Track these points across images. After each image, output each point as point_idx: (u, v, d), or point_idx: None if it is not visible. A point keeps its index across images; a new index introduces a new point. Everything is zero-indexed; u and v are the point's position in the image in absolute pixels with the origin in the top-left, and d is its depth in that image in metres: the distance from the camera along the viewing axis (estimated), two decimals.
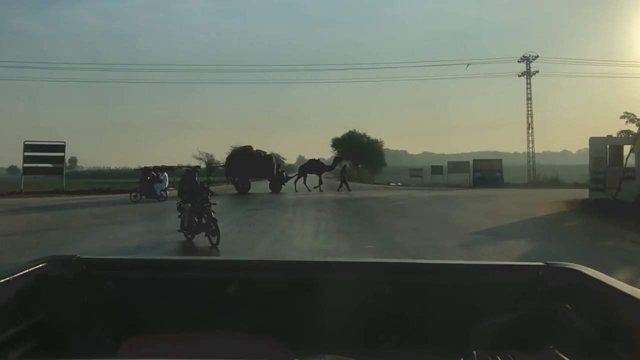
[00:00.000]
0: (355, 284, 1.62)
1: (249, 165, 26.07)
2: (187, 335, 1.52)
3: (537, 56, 41.20)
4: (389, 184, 39.81)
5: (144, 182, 25.33)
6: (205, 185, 11.06)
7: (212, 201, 9.78)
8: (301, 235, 11.02)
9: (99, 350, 1.53)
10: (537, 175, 38.64)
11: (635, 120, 21.52)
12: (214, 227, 9.44)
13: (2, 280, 1.38)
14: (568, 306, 1.44)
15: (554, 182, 34.41)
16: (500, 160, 37.52)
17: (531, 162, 40.81)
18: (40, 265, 1.56)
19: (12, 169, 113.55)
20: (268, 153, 27.86)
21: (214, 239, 9.39)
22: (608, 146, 19.80)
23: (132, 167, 24.58)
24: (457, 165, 38.64)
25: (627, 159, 18.63)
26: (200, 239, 9.60)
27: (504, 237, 10.32)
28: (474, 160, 37.44)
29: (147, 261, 1.88)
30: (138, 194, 21.59)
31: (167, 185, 23.04)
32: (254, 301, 1.62)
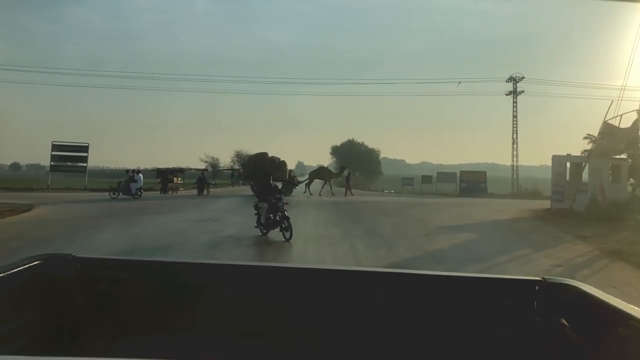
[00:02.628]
0: (352, 292, 1.65)
1: (265, 170, 29.11)
2: (179, 337, 1.58)
3: (523, 77, 44.58)
4: (382, 191, 43.10)
5: (163, 181, 28.63)
6: (279, 187, 12.32)
7: (285, 201, 10.88)
8: (305, 225, 14.16)
9: (92, 349, 1.56)
10: (519, 187, 41.88)
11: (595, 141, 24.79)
12: (286, 224, 10.39)
13: None
14: (564, 321, 1.47)
15: (534, 194, 37.63)
16: (485, 172, 40.92)
17: (515, 175, 44.07)
18: (35, 263, 1.58)
19: (14, 166, 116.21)
20: (281, 159, 30.70)
21: (287, 234, 10.31)
22: (569, 163, 22.97)
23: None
24: (445, 176, 42.15)
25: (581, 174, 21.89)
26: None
27: (459, 231, 13.52)
28: (460, 172, 40.89)
29: (142, 262, 1.90)
30: (117, 192, 23.72)
31: (141, 185, 24.77)
32: (247, 305, 1.64)
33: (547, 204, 23.72)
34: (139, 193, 24.19)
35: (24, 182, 32.38)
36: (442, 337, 1.57)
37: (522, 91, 44.37)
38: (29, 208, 17.23)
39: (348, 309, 1.62)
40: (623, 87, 21.06)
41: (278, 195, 10.88)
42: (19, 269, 1.50)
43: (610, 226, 14.73)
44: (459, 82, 47.43)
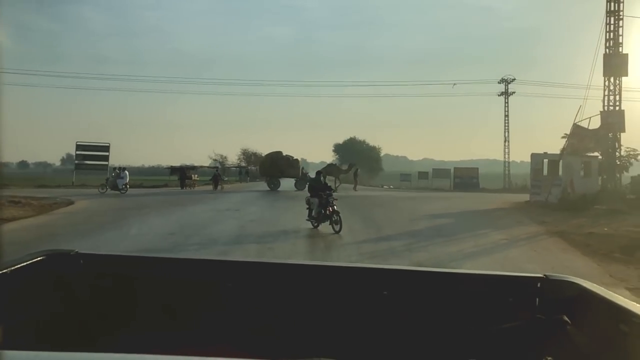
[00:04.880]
0: (353, 289, 1.66)
1: (279, 167, 31.51)
2: (182, 333, 1.57)
3: (514, 79, 47.13)
4: (382, 186, 45.97)
5: (182, 178, 31.56)
6: (328, 184, 13.15)
7: (335, 197, 11.64)
8: None
9: (95, 345, 1.54)
10: (510, 182, 44.59)
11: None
12: (336, 218, 11.11)
13: (0, 273, 1.40)
14: (566, 318, 1.48)
15: (524, 188, 40.27)
16: (477, 168, 43.70)
17: (507, 171, 46.71)
18: (38, 259, 1.59)
19: (22, 164, 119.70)
20: (294, 157, 33.13)
21: (337, 227, 11.03)
22: (546, 160, 25.60)
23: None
24: (440, 172, 45.02)
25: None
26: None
27: (440, 217, 16.25)
28: (454, 168, 43.73)
29: (144, 259, 1.92)
30: (105, 187, 25.32)
31: (127, 181, 25.81)
32: (249, 302, 1.66)
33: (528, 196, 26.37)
34: (125, 188, 25.24)
35: (33, 180, 33.75)
36: (444, 334, 1.59)
37: (514, 92, 47.01)
38: (70, 202, 19.58)
39: (350, 306, 1.64)
40: (588, 86, 23.91)
41: (328, 192, 11.73)
42: (22, 265, 1.51)
43: (572, 214, 16.84)
44: (454, 84, 50.20)
